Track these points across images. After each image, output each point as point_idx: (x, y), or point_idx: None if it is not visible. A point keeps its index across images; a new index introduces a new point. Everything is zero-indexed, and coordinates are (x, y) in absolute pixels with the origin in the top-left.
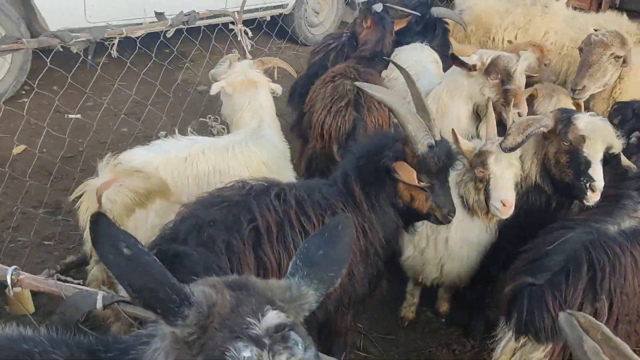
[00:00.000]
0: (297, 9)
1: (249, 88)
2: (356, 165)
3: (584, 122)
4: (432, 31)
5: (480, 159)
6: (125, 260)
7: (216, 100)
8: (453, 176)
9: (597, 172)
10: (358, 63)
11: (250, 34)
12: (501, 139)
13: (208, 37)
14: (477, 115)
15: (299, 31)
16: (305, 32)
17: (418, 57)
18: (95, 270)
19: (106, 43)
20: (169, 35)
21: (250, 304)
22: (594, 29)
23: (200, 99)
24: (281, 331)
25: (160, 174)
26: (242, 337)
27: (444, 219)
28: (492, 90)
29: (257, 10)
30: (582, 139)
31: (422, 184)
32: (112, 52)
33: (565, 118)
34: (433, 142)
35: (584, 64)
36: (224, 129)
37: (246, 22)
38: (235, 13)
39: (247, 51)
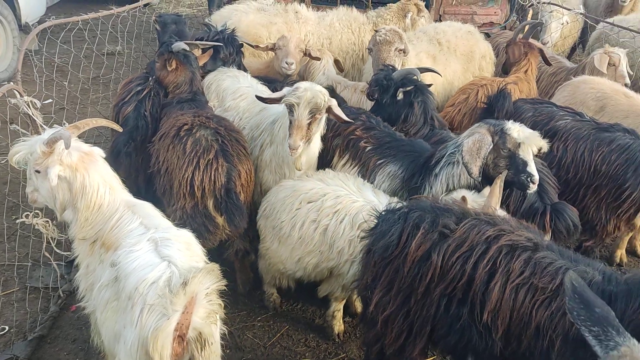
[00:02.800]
0: None
1: (90, 163)
2: None
3: (516, 131)
4: (234, 55)
5: None
6: None
7: None
8: None
9: (534, 169)
10: (191, 107)
11: (39, 104)
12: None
13: None
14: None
15: None
16: None
17: (244, 81)
18: None
19: None
20: None
21: None
22: (375, 30)
23: None
24: None
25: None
26: None
27: None
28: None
29: None
30: (519, 145)
31: None
32: None
33: (498, 130)
34: None
35: (378, 61)
36: (47, 221)
37: None
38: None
39: (39, 125)
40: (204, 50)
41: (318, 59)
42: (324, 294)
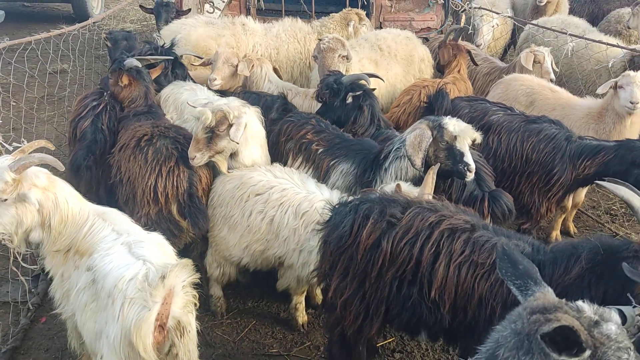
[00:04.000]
0: None
1: (54, 181)
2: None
3: (452, 125)
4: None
5: None
6: None
7: None
8: None
9: (470, 159)
10: (148, 119)
11: None
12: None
13: None
14: None
15: None
16: None
17: (202, 93)
18: None
19: None
20: None
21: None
22: (319, 38)
23: None
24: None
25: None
26: None
27: None
28: None
29: None
30: (455, 137)
31: None
32: None
33: (437, 125)
34: None
35: (323, 67)
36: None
37: None
38: None
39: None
40: (152, 66)
41: (246, 75)
42: (283, 288)
